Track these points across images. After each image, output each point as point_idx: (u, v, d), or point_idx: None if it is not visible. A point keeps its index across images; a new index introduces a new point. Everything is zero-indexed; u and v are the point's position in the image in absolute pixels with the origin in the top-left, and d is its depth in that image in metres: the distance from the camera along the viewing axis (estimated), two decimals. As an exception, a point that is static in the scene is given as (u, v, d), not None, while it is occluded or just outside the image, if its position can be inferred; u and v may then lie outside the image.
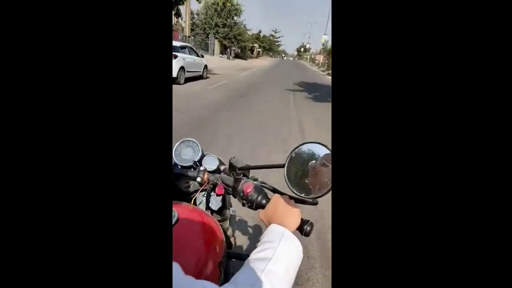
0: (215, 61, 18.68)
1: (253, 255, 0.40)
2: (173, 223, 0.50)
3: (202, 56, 8.99)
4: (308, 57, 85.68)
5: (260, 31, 47.56)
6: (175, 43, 7.49)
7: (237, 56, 27.11)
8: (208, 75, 9.61)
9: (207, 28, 23.85)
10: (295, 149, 0.47)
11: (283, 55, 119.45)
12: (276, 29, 77.00)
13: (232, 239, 0.77)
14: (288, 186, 0.46)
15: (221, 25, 23.71)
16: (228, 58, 22.74)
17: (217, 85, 8.01)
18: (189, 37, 24.05)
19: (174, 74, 6.82)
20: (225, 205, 0.74)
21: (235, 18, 25.51)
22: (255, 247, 0.42)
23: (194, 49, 8.73)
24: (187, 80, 7.74)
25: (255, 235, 1.51)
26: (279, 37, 78.80)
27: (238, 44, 25.89)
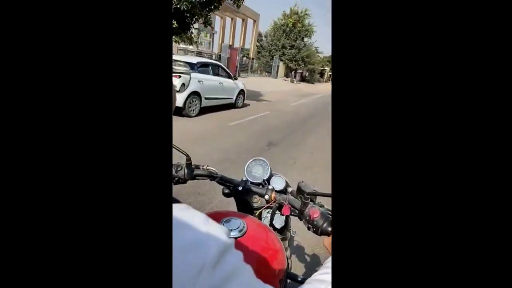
0: (276, 84, 16.72)
1: (314, 276, 0.41)
2: (241, 234, 0.54)
3: (236, 78, 6.73)
4: None
5: None
6: (190, 59, 5.46)
7: (303, 79, 24.78)
8: (247, 102, 7.29)
9: (273, 50, 22.41)
10: None
11: None
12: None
13: (289, 261, 0.74)
14: None
15: (288, 47, 21.94)
16: (292, 81, 20.56)
17: (247, 119, 5.54)
18: (253, 59, 23.05)
19: (180, 103, 4.69)
20: (287, 225, 0.78)
21: (305, 39, 23.48)
22: (309, 272, 0.35)
23: (224, 67, 6.52)
24: (214, 109, 5.56)
25: (311, 261, 1.49)
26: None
27: (306, 67, 23.56)
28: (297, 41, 22.21)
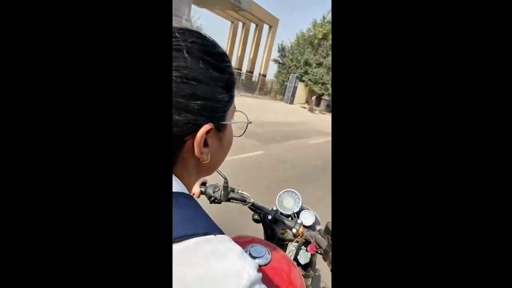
0: (288, 111, 10.98)
1: None
2: (265, 263, 0.56)
3: None
4: None
5: None
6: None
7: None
8: None
9: (293, 67, 16.82)
10: None
11: None
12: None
13: None
14: None
15: (314, 64, 16.19)
16: (311, 110, 14.46)
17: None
18: (264, 75, 17.65)
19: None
20: (311, 262, 0.78)
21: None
22: None
23: None
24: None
25: None
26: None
27: None
28: (326, 58, 16.34)
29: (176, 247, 0.24)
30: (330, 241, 0.59)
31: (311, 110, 14.42)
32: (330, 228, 0.60)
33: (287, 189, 0.82)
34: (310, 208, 0.81)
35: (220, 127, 0.33)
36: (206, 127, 0.31)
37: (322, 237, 0.65)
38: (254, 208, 0.80)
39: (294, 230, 0.71)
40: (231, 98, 0.34)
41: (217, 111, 0.32)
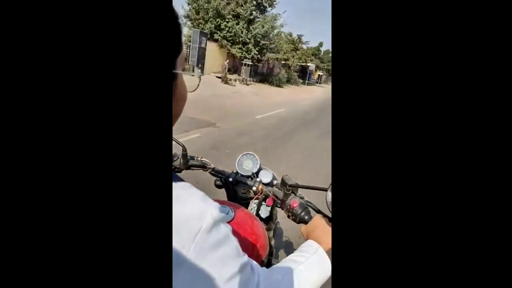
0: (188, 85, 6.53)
1: (288, 257, 0.48)
2: (229, 219, 0.62)
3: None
4: None
5: (321, 44, 30.57)
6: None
7: (264, 79, 14.53)
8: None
9: (201, 21, 12.11)
10: None
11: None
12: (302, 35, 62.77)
13: (273, 248, 0.85)
14: (328, 208, 0.55)
15: (230, 17, 11.73)
16: (225, 80, 10.24)
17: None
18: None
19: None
20: (272, 216, 0.84)
21: (268, 10, 13.33)
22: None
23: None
24: None
25: (293, 249, 1.51)
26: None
27: (261, 56, 13.23)
28: (245, 6, 11.93)
29: None
30: (286, 191, 0.67)
31: (224, 80, 10.19)
32: (285, 180, 0.67)
33: (245, 152, 0.88)
34: (266, 167, 0.87)
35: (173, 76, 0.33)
36: (181, 61, 0.32)
37: (279, 189, 0.74)
38: (215, 173, 0.87)
39: (254, 188, 0.79)
40: (179, 45, 0.31)
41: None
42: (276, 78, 14.79)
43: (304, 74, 24.13)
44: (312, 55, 24.16)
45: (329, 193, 0.56)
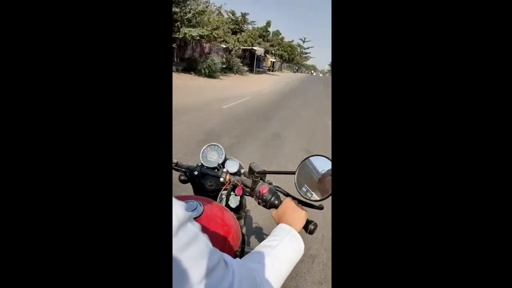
0: None
1: (262, 243, 0.49)
2: (198, 215, 0.57)
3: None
4: None
5: (269, 24, 24.72)
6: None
7: (191, 67, 11.02)
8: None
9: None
10: (304, 160, 0.58)
11: (312, 71, 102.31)
12: (305, 38, 60.72)
13: (245, 236, 0.81)
14: (297, 190, 0.58)
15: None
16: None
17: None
18: None
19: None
20: (241, 205, 0.84)
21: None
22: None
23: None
24: None
25: (264, 235, 1.64)
26: (307, 48, 62.31)
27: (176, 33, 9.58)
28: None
29: None
30: (254, 179, 0.67)
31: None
32: (253, 168, 0.67)
33: (209, 144, 0.86)
34: (232, 157, 0.87)
35: None
36: None
37: (247, 178, 0.74)
38: (179, 168, 0.85)
39: (221, 179, 0.78)
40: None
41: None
42: (204, 65, 11.32)
43: (252, 61, 20.99)
44: (260, 37, 21.10)
45: (297, 176, 0.58)
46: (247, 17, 22.02)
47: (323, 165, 0.56)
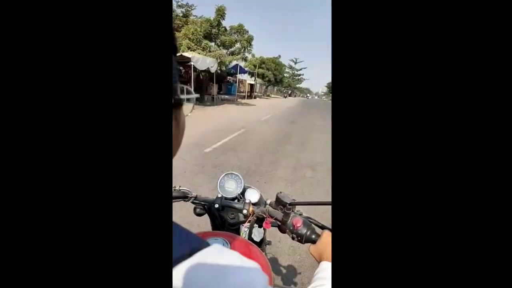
0: None
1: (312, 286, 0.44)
2: None
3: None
4: None
5: (221, 11, 11.52)
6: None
7: None
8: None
9: None
10: None
11: (308, 94, 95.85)
12: (296, 59, 52.36)
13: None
14: None
15: None
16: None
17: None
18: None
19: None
20: (264, 237, 0.79)
21: None
22: (287, 281, 0.67)
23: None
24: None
25: (281, 266, 1.58)
26: (300, 69, 53.97)
27: None
28: None
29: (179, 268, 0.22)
30: (286, 211, 0.60)
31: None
32: (282, 199, 0.61)
33: (226, 172, 0.82)
34: (251, 185, 0.81)
35: (177, 103, 0.28)
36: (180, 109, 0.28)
37: (275, 209, 0.66)
38: (198, 201, 0.78)
39: (244, 211, 0.71)
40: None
41: (174, 85, 0.27)
42: None
43: (200, 82, 10.89)
44: (206, 36, 11.03)
45: None
46: (193, 7, 12.42)
47: None
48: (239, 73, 14.48)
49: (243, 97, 19.43)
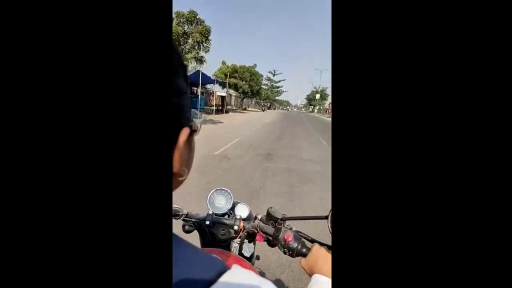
0: None
1: None
2: (224, 270, 0.60)
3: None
4: (318, 108, 56.18)
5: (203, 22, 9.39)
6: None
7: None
8: None
9: None
10: None
11: (288, 106, 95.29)
12: (275, 71, 50.32)
13: None
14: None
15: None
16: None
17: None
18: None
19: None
20: (253, 252, 0.80)
21: None
22: None
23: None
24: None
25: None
26: (279, 81, 51.92)
27: None
28: None
29: None
30: (278, 226, 0.61)
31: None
32: (273, 214, 0.63)
33: (215, 188, 0.81)
34: (240, 201, 0.81)
35: (192, 130, 0.28)
36: (186, 131, 0.26)
37: (265, 223, 0.66)
38: (189, 218, 0.78)
39: (236, 227, 0.72)
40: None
41: (186, 109, 0.27)
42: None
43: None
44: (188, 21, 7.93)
45: (328, 221, 0.55)
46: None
47: None
48: (204, 83, 10.99)
49: (211, 112, 15.90)
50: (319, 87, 57.24)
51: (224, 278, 0.24)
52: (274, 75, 47.51)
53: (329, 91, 56.51)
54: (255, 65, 25.69)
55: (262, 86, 32.41)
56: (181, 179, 0.28)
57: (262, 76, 32.05)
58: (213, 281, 0.23)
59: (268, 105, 49.31)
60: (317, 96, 54.91)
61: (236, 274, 0.25)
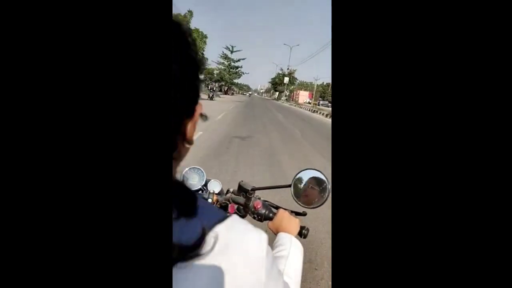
0: None
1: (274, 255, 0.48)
2: None
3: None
4: (287, 94, 48.58)
5: None
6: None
7: None
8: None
9: None
10: (298, 173, 0.69)
11: (249, 92, 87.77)
12: (232, 46, 41.12)
13: None
14: (294, 200, 0.68)
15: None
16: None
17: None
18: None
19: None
20: None
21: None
22: None
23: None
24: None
25: None
26: (238, 60, 43.06)
27: None
28: None
29: (222, 226, 0.28)
30: (248, 196, 0.71)
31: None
32: (244, 186, 0.73)
33: (190, 167, 0.85)
34: (212, 178, 0.88)
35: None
36: (200, 105, 0.30)
37: (237, 195, 0.75)
38: None
39: (209, 200, 0.78)
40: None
41: (197, 85, 0.29)
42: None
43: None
44: None
45: (291, 188, 0.68)
46: None
47: (312, 177, 0.68)
48: None
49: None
50: (288, 68, 46.84)
51: (228, 221, 0.29)
52: (232, 52, 38.61)
53: (297, 74, 49.07)
54: (191, 13, 16.37)
55: (213, 61, 23.34)
56: (189, 146, 0.32)
57: (205, 40, 23.18)
58: (215, 224, 0.28)
59: (226, 89, 40.38)
60: (286, 79, 44.90)
61: (235, 219, 0.31)
